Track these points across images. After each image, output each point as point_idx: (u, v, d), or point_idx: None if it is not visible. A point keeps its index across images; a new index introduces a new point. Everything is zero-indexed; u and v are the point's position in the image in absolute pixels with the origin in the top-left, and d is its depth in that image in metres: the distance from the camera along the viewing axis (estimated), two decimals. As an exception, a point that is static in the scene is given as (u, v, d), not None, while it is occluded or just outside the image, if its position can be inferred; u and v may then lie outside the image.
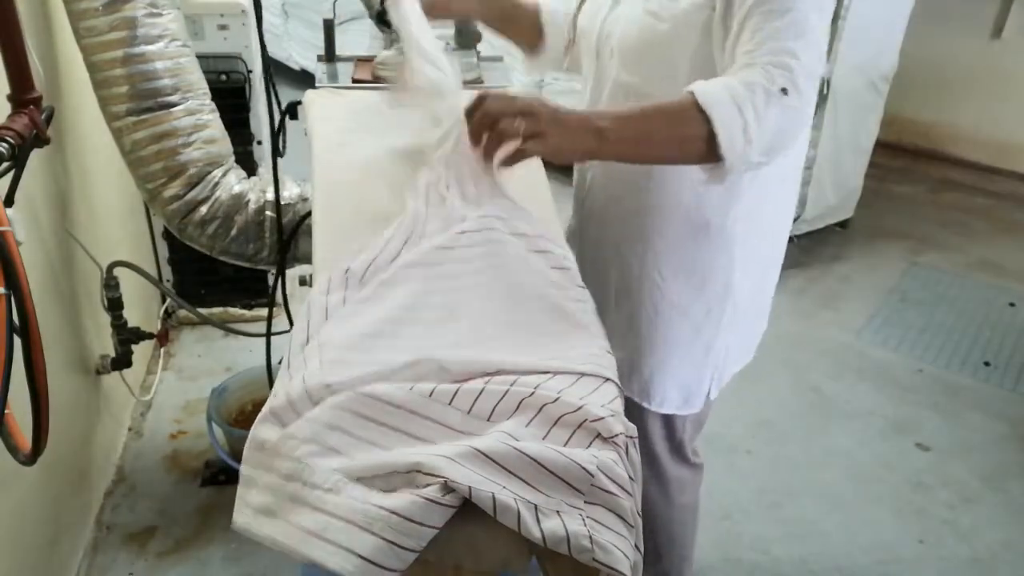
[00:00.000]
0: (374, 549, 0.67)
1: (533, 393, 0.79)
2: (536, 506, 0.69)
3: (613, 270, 1.28)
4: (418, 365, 0.82)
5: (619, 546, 0.69)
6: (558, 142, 0.98)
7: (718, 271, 1.22)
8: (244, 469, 0.80)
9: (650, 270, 1.24)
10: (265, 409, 0.80)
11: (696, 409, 1.33)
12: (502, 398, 0.79)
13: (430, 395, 0.79)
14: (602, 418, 0.77)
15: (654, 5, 1.10)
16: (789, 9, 0.97)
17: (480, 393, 0.79)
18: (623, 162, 1.14)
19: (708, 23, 1.05)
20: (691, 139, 0.97)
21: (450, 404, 0.79)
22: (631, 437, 0.77)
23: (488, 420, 0.78)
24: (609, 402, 0.81)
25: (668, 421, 1.34)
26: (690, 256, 1.22)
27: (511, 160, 1.01)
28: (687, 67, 1.09)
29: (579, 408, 0.77)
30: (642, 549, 0.76)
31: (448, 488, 0.69)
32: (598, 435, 0.76)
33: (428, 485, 0.70)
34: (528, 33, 1.39)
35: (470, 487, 0.68)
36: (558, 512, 0.69)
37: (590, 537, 0.68)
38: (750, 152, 0.96)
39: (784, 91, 0.95)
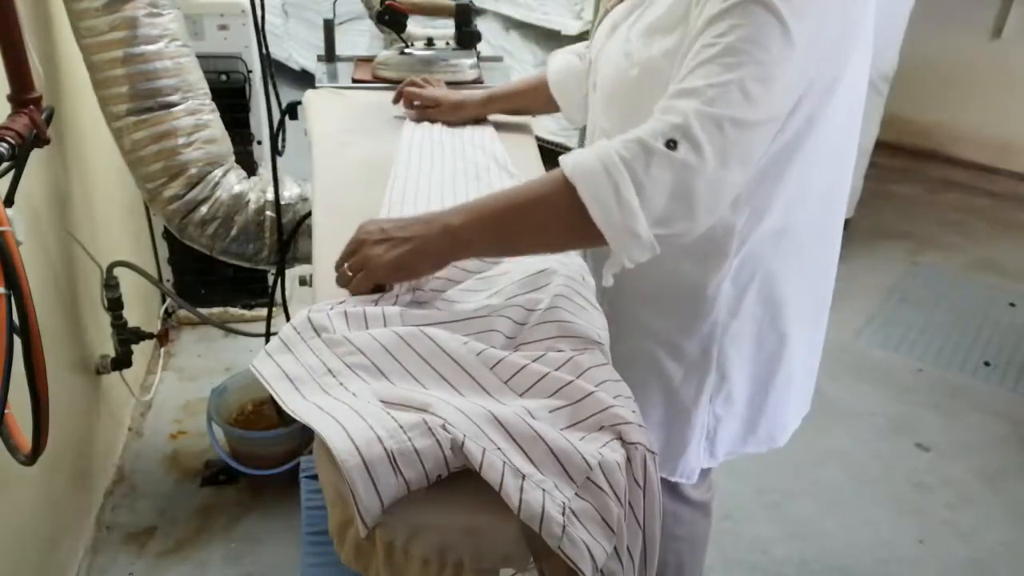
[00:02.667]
0: (366, 440, 0.70)
1: (571, 383, 0.80)
2: (524, 476, 0.70)
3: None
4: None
5: (590, 547, 0.69)
6: (393, 259, 0.88)
7: (696, 337, 1.10)
8: (287, 333, 0.86)
9: (629, 321, 1.15)
10: (340, 307, 0.89)
11: (682, 479, 1.22)
12: (540, 379, 0.81)
13: (478, 355, 0.83)
14: (629, 423, 0.77)
15: (629, 46, 1.00)
16: (725, 46, 0.81)
17: (521, 369, 0.82)
18: (500, 256, 0.99)
19: (672, 76, 0.93)
20: (560, 217, 0.83)
21: (492, 369, 0.82)
22: (651, 452, 0.77)
23: (520, 396, 0.81)
24: (636, 409, 0.81)
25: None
26: (666, 313, 1.12)
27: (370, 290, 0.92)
28: None
29: (608, 408, 0.78)
30: (635, 562, 0.76)
31: (446, 430, 0.71)
32: (619, 436, 0.76)
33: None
34: (544, 106, 1.39)
35: (464, 435, 0.71)
36: (543, 490, 0.70)
37: (563, 527, 0.68)
38: (635, 223, 0.80)
39: (671, 144, 0.79)
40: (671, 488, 1.30)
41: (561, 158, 0.84)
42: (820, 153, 1.01)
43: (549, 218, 0.86)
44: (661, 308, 1.13)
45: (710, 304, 1.08)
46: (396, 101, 1.50)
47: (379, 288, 0.93)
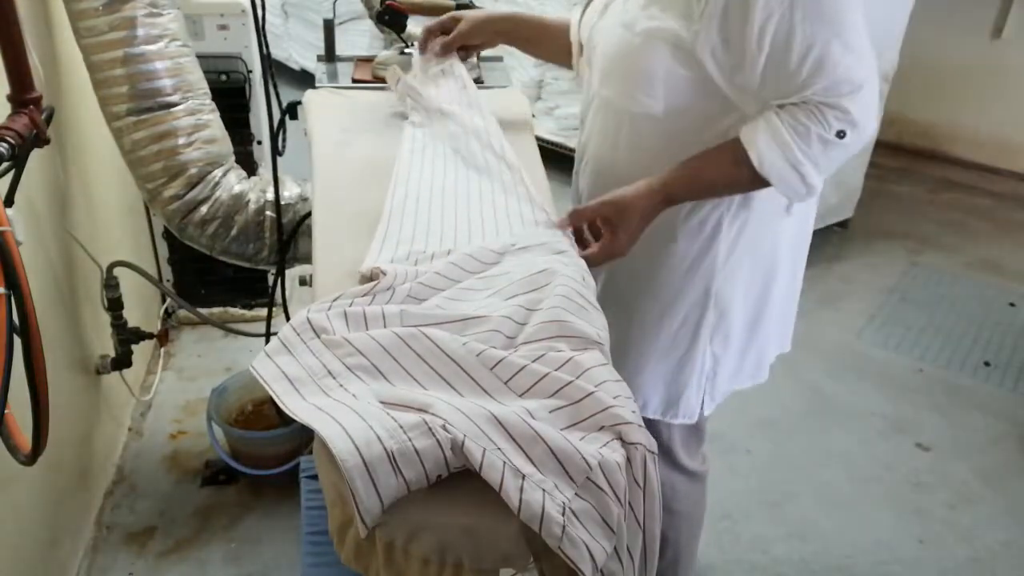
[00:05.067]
0: (366, 440, 0.70)
1: (571, 383, 0.80)
2: (524, 476, 0.70)
3: (596, 278, 1.25)
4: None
5: (590, 547, 0.69)
6: (633, 232, 1.10)
7: (696, 276, 1.19)
8: (287, 334, 0.87)
9: (625, 272, 1.22)
10: (339, 307, 0.90)
11: (685, 420, 1.29)
12: (540, 379, 0.81)
13: (478, 355, 0.83)
14: (629, 423, 0.77)
15: (628, 17, 1.10)
16: (810, 46, 0.96)
17: (521, 369, 0.82)
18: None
19: (677, 40, 1.04)
20: (751, 189, 1.09)
21: (491, 370, 0.82)
22: (651, 452, 0.77)
23: (520, 396, 0.81)
24: (636, 410, 0.81)
25: (651, 426, 1.31)
26: (665, 258, 1.19)
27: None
28: (661, 83, 1.08)
29: (608, 408, 0.78)
30: (635, 561, 0.76)
31: (446, 430, 0.71)
32: (619, 437, 0.76)
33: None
34: (559, 53, 1.36)
35: (464, 435, 0.71)
36: (543, 490, 0.70)
37: (563, 527, 0.68)
38: (812, 191, 1.06)
39: (841, 134, 0.99)
40: (666, 456, 1.35)
41: (745, 144, 1.04)
42: None
43: (742, 189, 1.11)
44: (665, 249, 1.19)
45: (709, 242, 1.16)
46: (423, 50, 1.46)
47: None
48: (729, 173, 1.07)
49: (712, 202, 1.15)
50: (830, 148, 1.00)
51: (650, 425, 1.29)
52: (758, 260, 1.21)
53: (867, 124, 1.00)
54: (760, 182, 1.05)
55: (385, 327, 0.88)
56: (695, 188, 1.10)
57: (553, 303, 0.91)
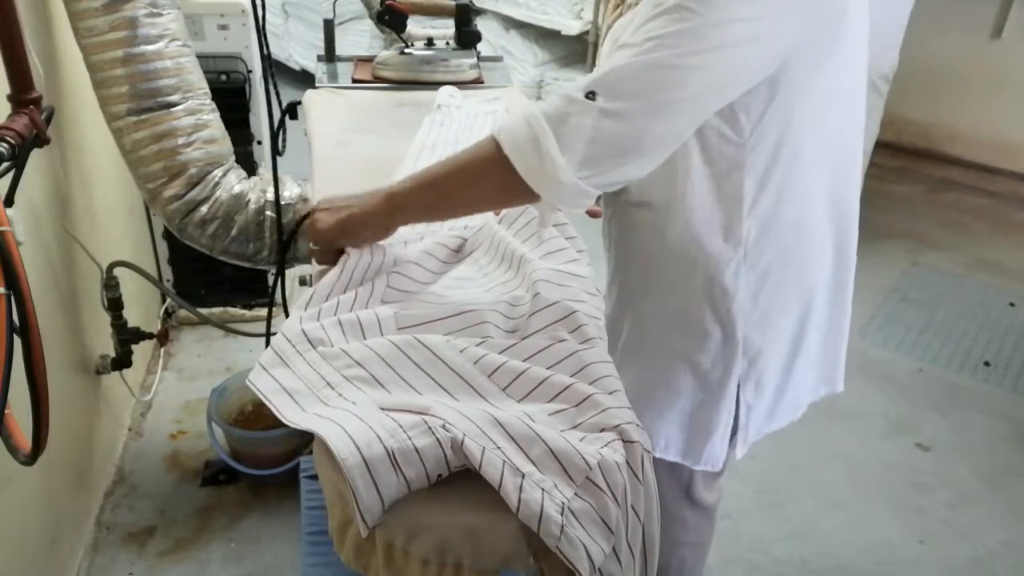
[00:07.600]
0: (366, 440, 0.71)
1: (570, 387, 0.80)
2: (524, 475, 0.70)
3: (624, 318, 1.21)
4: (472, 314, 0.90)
5: (588, 547, 0.69)
6: (335, 222, 0.98)
7: (718, 323, 1.11)
8: (281, 345, 0.87)
9: (651, 318, 1.17)
10: (334, 317, 0.90)
11: (710, 467, 1.22)
12: (539, 384, 0.81)
13: (475, 363, 0.83)
14: (629, 422, 0.77)
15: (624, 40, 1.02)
16: (667, 6, 0.83)
17: (520, 375, 0.82)
18: (433, 218, 1.06)
19: None
20: (489, 172, 0.89)
21: (489, 377, 0.82)
22: (647, 451, 0.77)
23: (519, 401, 0.81)
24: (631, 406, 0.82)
25: (673, 467, 1.25)
26: (684, 302, 1.11)
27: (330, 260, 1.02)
28: None
29: (607, 409, 0.78)
30: (635, 557, 0.76)
31: (446, 430, 0.72)
32: (619, 436, 0.76)
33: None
34: None
35: (464, 435, 0.71)
36: (543, 489, 0.70)
37: (561, 527, 0.68)
38: (556, 170, 0.83)
39: (591, 95, 0.82)
40: (685, 492, 1.31)
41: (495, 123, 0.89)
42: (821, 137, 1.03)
43: (480, 175, 0.91)
44: (684, 297, 1.12)
45: (726, 287, 1.08)
46: None
47: (338, 254, 0.99)
48: (470, 154, 0.91)
49: (730, 249, 1.06)
50: (572, 107, 0.83)
51: (672, 466, 1.23)
52: (788, 304, 1.13)
53: (632, 99, 0.82)
54: (501, 167, 0.86)
55: (381, 333, 0.88)
56: (425, 180, 0.94)
57: (539, 288, 0.92)
